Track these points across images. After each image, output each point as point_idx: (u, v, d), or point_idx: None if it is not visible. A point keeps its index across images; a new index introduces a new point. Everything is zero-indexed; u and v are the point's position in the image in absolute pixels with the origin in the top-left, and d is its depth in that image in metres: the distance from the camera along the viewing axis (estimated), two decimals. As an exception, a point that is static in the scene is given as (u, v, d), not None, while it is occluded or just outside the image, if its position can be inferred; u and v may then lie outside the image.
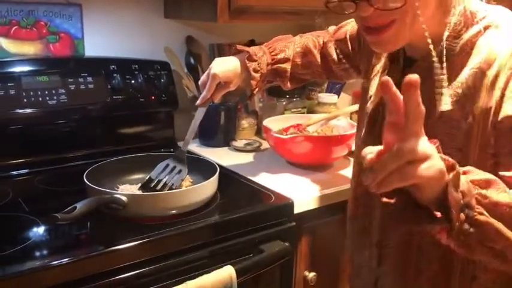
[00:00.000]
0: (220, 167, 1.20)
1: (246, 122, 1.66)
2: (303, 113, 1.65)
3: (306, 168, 1.35)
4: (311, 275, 1.24)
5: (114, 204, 0.96)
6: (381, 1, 0.71)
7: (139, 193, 1.05)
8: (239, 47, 1.19)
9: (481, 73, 0.75)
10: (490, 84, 0.74)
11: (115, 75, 1.42)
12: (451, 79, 0.78)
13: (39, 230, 0.96)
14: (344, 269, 1.35)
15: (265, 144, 1.55)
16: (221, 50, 1.68)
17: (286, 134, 1.40)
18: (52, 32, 1.40)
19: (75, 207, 0.86)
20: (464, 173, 0.65)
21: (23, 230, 0.97)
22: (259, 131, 1.70)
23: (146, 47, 1.54)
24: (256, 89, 1.18)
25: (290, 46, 1.20)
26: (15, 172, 1.30)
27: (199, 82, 1.17)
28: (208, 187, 1.08)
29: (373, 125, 0.93)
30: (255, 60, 1.15)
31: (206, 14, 1.37)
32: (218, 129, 1.56)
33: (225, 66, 1.14)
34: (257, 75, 1.15)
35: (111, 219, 1.00)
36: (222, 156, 1.46)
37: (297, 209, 1.16)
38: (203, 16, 1.39)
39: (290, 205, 1.14)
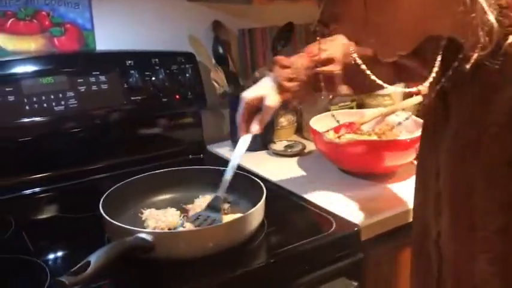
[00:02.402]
0: (262, 179, 0.98)
1: (284, 120, 1.43)
2: (352, 107, 1.40)
3: (364, 177, 1.12)
4: (379, 312, 1.02)
5: (139, 249, 0.74)
6: None
7: (168, 231, 0.83)
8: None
9: None
10: None
11: (132, 72, 1.20)
12: None
13: (45, 281, 0.75)
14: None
15: (309, 146, 1.33)
16: (253, 36, 1.45)
17: (339, 137, 1.17)
18: (56, 23, 1.18)
19: (89, 263, 0.65)
20: None
21: (23, 284, 0.77)
22: (299, 128, 1.47)
23: (167, 37, 1.31)
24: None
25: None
26: (19, 193, 1.10)
27: (239, 118, 0.97)
28: (255, 216, 0.86)
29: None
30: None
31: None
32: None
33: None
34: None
35: (136, 265, 0.79)
36: (260, 163, 1.24)
37: (363, 236, 0.93)
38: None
39: (356, 233, 0.91)
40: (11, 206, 1.04)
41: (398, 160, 1.10)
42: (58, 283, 0.61)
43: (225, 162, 1.26)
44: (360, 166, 1.10)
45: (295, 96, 0.95)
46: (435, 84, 0.66)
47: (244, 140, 0.95)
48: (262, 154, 1.32)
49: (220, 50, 1.37)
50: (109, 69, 1.18)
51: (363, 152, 1.06)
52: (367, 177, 1.12)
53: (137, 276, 0.78)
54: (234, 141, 1.36)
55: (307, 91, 0.96)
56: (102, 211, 0.84)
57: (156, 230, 0.84)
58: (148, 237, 0.75)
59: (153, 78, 1.22)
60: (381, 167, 1.11)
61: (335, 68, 0.93)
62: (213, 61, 1.35)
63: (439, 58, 0.65)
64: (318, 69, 0.93)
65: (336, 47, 0.94)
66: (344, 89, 0.95)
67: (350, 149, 1.07)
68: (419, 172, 0.77)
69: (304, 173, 1.18)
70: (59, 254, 0.87)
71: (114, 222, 0.80)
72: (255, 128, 0.95)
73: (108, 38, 1.25)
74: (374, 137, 1.18)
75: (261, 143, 1.34)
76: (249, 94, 0.95)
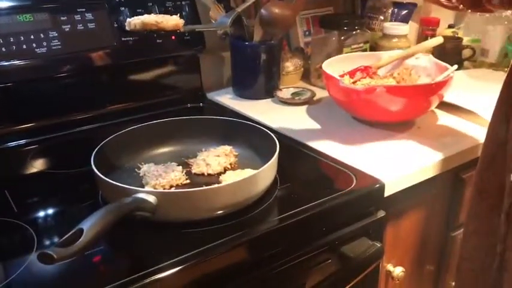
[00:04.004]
0: (270, 130, 0.87)
1: (290, 64, 1.31)
2: (365, 49, 1.28)
3: (381, 127, 1.02)
4: (398, 271, 0.94)
5: (139, 212, 0.65)
6: None
7: (172, 190, 0.73)
8: None
9: None
10: None
11: (122, 8, 1.06)
12: None
13: (30, 250, 0.66)
14: (435, 256, 1.07)
15: (318, 93, 1.21)
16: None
17: (354, 82, 1.06)
18: (32, -50, 1.02)
19: (81, 231, 0.55)
20: None
21: (6, 250, 0.68)
22: (306, 74, 1.35)
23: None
24: None
25: None
26: (1, 146, 0.98)
27: None
28: (268, 173, 0.76)
29: None
30: None
31: None
32: (258, 75, 1.21)
33: None
34: None
35: (134, 227, 0.69)
36: (265, 112, 1.13)
37: (386, 192, 0.84)
38: None
39: (380, 189, 0.82)
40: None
41: (421, 108, 1.00)
42: (44, 257, 0.51)
43: (227, 111, 1.17)
44: (379, 114, 1.00)
45: None
46: None
47: None
48: (267, 102, 1.21)
49: (220, -16, 1.22)
50: (96, 5, 1.04)
51: (384, 98, 0.95)
52: (384, 127, 1.02)
53: (137, 241, 0.68)
54: (236, 89, 1.25)
55: None
56: (94, 168, 0.73)
57: (158, 189, 0.74)
58: (150, 198, 0.65)
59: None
60: (402, 115, 1.01)
61: None
62: (212, -3, 1.21)
63: None
64: None
65: None
66: None
67: (369, 95, 0.96)
68: None
69: (315, 123, 1.07)
70: (46, 215, 0.77)
71: (110, 180, 0.70)
72: None
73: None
74: (393, 82, 1.07)
75: (265, 90, 1.22)
76: None
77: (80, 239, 0.54)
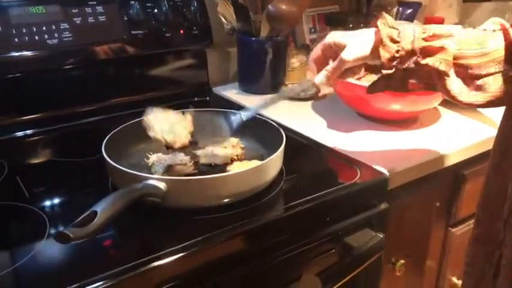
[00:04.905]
0: (276, 124, 0.89)
1: (296, 60, 1.32)
2: (370, 47, 1.30)
3: (385, 123, 1.04)
4: (399, 263, 0.96)
5: (150, 197, 0.66)
6: None
7: (182, 178, 0.75)
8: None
9: None
10: None
11: (132, 2, 1.08)
12: None
13: (42, 234, 0.67)
14: (435, 250, 1.09)
15: (323, 89, 1.23)
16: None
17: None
18: None
19: (95, 213, 0.57)
20: None
21: (20, 233, 0.69)
22: (312, 70, 1.36)
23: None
24: None
25: None
26: (10, 135, 1.00)
27: (311, 57, 0.79)
28: (275, 164, 0.78)
29: None
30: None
31: None
32: (264, 70, 1.23)
33: (361, 51, 0.72)
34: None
35: (144, 213, 0.71)
36: (271, 107, 1.14)
37: (389, 185, 0.86)
38: None
39: (384, 182, 0.84)
40: (2, 150, 0.95)
41: (424, 104, 1.02)
42: (61, 236, 0.53)
43: (232, 105, 1.18)
44: (384, 111, 1.01)
45: (386, 83, 0.73)
46: None
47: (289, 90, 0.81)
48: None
49: (228, -20, 1.24)
50: (107, -1, 1.06)
51: (390, 95, 0.97)
52: (388, 123, 1.04)
53: (146, 226, 0.70)
54: (242, 84, 1.27)
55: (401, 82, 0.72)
56: (105, 155, 0.75)
57: (167, 177, 0.75)
58: (160, 185, 0.67)
59: (156, 11, 1.10)
60: (406, 112, 1.02)
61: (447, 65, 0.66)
62: (221, -7, 1.23)
63: None
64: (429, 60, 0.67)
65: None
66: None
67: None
68: None
69: (320, 118, 1.09)
70: (57, 201, 0.79)
71: (122, 168, 0.72)
72: (319, 78, 0.76)
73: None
74: (397, 80, 1.08)
75: (270, 85, 1.24)
76: (336, 37, 0.75)
77: (94, 221, 0.56)
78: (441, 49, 0.66)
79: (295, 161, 0.88)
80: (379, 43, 0.70)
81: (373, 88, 0.76)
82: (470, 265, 0.79)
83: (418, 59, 0.67)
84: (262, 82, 1.24)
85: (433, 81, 0.69)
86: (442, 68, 0.66)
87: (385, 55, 0.69)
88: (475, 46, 0.65)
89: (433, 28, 0.68)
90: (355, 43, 0.73)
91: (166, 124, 0.85)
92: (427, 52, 0.67)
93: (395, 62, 0.69)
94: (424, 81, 0.70)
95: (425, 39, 0.67)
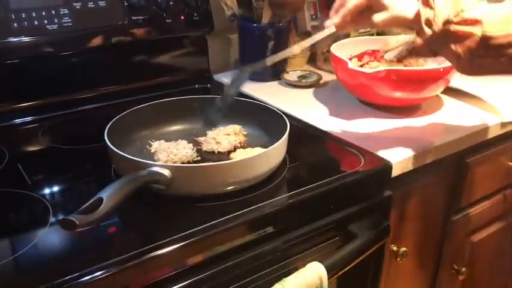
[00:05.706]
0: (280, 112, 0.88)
1: (297, 48, 1.31)
2: (372, 34, 1.29)
3: (387, 110, 1.04)
4: (401, 250, 0.96)
5: (155, 184, 0.66)
6: None
7: (186, 165, 0.74)
8: None
9: None
10: None
11: (133, -13, 1.06)
12: None
13: (45, 221, 0.67)
14: (436, 238, 1.09)
15: (325, 77, 1.23)
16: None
17: (362, 65, 1.07)
18: None
19: (101, 200, 0.56)
20: None
21: (23, 221, 0.69)
22: (312, 58, 1.36)
23: None
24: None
25: None
26: (10, 122, 0.99)
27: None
28: (279, 151, 0.78)
29: None
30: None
31: None
32: (265, 57, 1.21)
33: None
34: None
35: (148, 200, 0.70)
36: (272, 94, 1.14)
37: (393, 173, 0.86)
38: None
39: (387, 169, 0.83)
40: (2, 137, 0.94)
41: (427, 92, 1.01)
42: (67, 223, 0.52)
43: (240, 99, 1.17)
44: (387, 98, 1.01)
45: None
46: None
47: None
48: (273, 85, 1.22)
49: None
50: (107, -17, 1.04)
51: (392, 82, 0.96)
52: (391, 110, 1.03)
53: (150, 213, 0.70)
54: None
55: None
56: (108, 142, 0.74)
57: (172, 164, 0.75)
58: (165, 172, 0.66)
59: (156, -4, 1.09)
60: (409, 99, 1.02)
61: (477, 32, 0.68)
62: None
63: None
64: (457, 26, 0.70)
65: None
66: None
67: (378, 79, 0.97)
68: None
69: (322, 105, 1.09)
70: (59, 188, 0.78)
71: (126, 155, 0.71)
72: (332, 21, 0.79)
73: None
74: (400, 66, 1.07)
75: (272, 72, 1.23)
76: None
77: (100, 208, 0.55)
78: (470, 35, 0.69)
79: (298, 149, 0.87)
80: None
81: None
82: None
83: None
84: (263, 69, 1.22)
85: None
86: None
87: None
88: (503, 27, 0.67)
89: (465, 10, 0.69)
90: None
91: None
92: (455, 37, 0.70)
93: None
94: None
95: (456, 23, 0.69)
